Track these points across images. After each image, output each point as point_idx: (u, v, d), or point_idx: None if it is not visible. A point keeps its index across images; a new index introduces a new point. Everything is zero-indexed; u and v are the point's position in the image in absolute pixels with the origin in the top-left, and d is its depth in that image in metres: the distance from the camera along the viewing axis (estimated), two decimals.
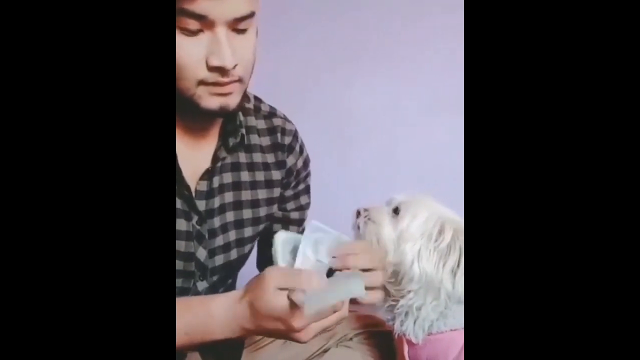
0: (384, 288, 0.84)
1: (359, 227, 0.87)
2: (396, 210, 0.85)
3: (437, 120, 1.71)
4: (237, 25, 0.70)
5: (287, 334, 0.67)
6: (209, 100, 0.73)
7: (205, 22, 0.68)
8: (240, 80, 0.74)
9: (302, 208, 0.97)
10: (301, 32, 1.70)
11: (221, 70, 0.70)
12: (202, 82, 0.71)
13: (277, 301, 0.65)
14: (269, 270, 0.68)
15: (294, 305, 0.64)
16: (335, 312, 0.67)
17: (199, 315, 0.69)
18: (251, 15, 0.70)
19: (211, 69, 0.70)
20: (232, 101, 0.74)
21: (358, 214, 0.87)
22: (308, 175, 0.97)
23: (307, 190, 0.97)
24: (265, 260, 1.00)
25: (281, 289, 0.66)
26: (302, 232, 0.99)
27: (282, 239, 0.74)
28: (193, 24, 0.67)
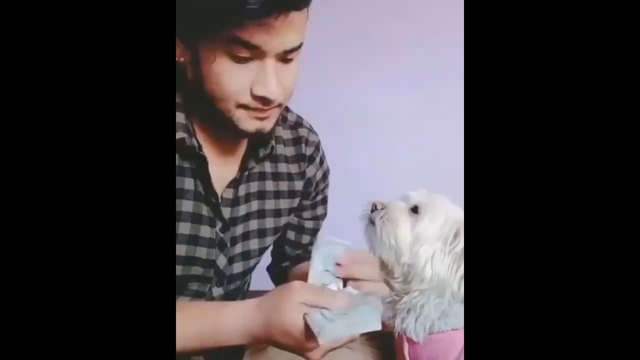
0: (387, 283, 0.84)
1: (371, 221, 0.86)
2: (415, 210, 0.84)
3: (437, 121, 1.71)
4: (285, 57, 0.71)
5: (297, 351, 0.67)
6: (247, 123, 0.74)
7: (256, 52, 0.68)
8: (279, 106, 0.75)
9: (318, 218, 0.98)
10: None
11: (264, 100, 0.71)
12: (242, 106, 0.72)
13: (294, 317, 0.65)
14: (295, 284, 0.68)
15: (308, 329, 0.64)
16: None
17: (213, 321, 0.70)
18: (300, 46, 0.72)
19: (255, 97, 0.71)
20: (269, 124, 0.76)
21: (374, 207, 0.86)
22: (326, 187, 0.98)
23: (324, 201, 0.98)
24: (278, 266, 1.01)
25: (303, 304, 0.66)
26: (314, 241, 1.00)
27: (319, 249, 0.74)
28: (244, 53, 0.68)
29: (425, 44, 1.72)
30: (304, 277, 0.73)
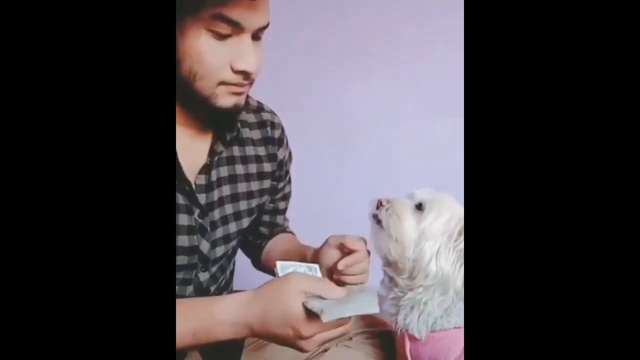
0: (392, 280, 0.85)
1: (377, 218, 0.86)
2: (419, 207, 0.85)
3: (437, 120, 1.71)
4: (257, 34, 0.75)
5: (293, 341, 0.67)
6: (226, 99, 0.77)
7: (236, 29, 0.72)
8: (251, 82, 0.78)
9: (287, 197, 1.03)
10: (301, 33, 1.70)
11: (245, 74, 0.75)
12: (222, 83, 0.75)
13: (293, 304, 0.66)
14: (293, 275, 0.70)
15: (308, 313, 0.65)
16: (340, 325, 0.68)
17: (205, 316, 0.70)
18: (268, 25, 0.76)
19: (236, 72, 0.75)
20: (243, 99, 0.80)
21: (379, 204, 0.87)
22: (290, 163, 1.02)
23: (289, 180, 1.02)
24: (253, 243, 1.04)
25: (303, 293, 0.67)
26: (286, 220, 1.06)
27: (280, 265, 0.75)
28: (225, 29, 0.72)
29: (425, 44, 1.72)
30: (283, 254, 0.85)
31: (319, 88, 1.72)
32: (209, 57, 0.73)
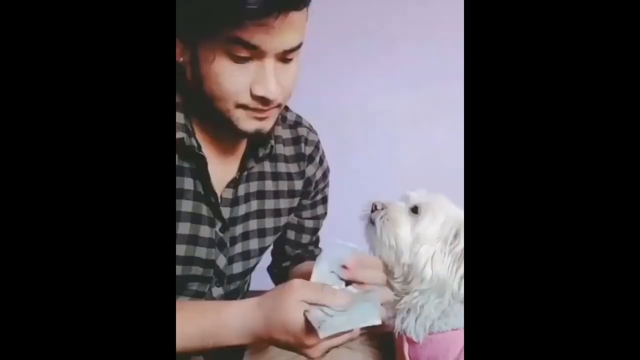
0: (387, 283, 0.83)
1: (372, 221, 0.86)
2: (415, 210, 0.84)
3: (437, 120, 1.71)
4: (285, 57, 0.71)
5: (297, 349, 0.67)
6: (247, 123, 0.74)
7: (256, 52, 0.68)
8: (278, 106, 0.75)
9: (318, 217, 0.98)
10: None
11: (264, 100, 0.71)
12: (242, 106, 0.72)
13: (294, 314, 0.65)
14: (295, 282, 0.68)
15: (308, 325, 0.64)
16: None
17: (213, 321, 0.70)
18: (299, 46, 0.72)
19: (254, 97, 0.71)
20: (268, 125, 0.76)
21: (374, 207, 0.86)
22: (326, 186, 0.98)
23: (324, 200, 0.98)
24: (278, 265, 1.01)
25: (304, 301, 0.66)
26: (315, 241, 1.01)
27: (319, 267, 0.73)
28: (244, 52, 0.68)
29: (425, 44, 1.72)
30: (305, 276, 0.73)
31: (319, 88, 1.72)
32: (226, 80, 0.69)
